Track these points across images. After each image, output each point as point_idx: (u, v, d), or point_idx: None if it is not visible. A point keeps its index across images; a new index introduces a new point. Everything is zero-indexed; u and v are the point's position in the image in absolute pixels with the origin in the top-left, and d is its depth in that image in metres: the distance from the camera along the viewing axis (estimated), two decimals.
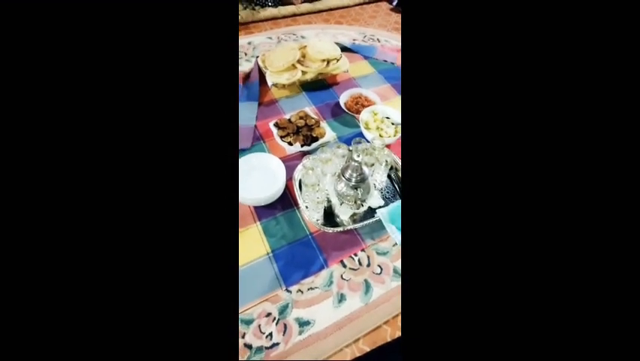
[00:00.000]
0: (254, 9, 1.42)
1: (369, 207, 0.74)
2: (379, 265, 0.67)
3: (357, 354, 0.57)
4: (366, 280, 0.65)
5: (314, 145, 0.86)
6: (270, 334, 0.57)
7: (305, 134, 0.87)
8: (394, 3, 1.66)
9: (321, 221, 0.71)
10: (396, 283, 0.65)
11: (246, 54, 1.20)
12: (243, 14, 1.38)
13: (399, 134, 0.87)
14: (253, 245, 0.68)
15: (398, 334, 0.60)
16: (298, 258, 0.67)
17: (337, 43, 1.15)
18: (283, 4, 1.49)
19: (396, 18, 1.56)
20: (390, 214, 0.71)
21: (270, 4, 1.44)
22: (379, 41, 1.35)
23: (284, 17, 1.47)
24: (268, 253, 0.67)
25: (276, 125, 0.89)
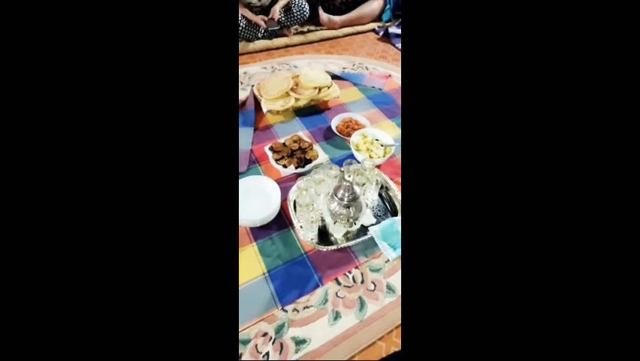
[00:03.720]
0: (248, 41, 1.49)
1: (362, 225, 0.74)
2: (373, 282, 0.68)
3: None
4: (360, 297, 0.66)
5: (307, 167, 0.86)
6: (267, 353, 0.57)
7: (299, 156, 0.89)
8: (380, 33, 1.76)
9: (315, 240, 0.72)
10: (390, 300, 0.66)
11: (242, 83, 1.25)
12: (239, 46, 1.44)
13: (388, 155, 0.90)
14: (249, 266, 0.68)
15: (393, 349, 0.60)
16: (294, 277, 0.67)
17: (328, 72, 1.19)
18: (277, 37, 1.57)
19: (383, 47, 1.64)
20: (382, 232, 0.73)
21: (259, 36, 1.51)
22: (367, 69, 1.40)
23: (277, 48, 1.53)
24: (264, 273, 0.68)
25: (271, 148, 0.92)
